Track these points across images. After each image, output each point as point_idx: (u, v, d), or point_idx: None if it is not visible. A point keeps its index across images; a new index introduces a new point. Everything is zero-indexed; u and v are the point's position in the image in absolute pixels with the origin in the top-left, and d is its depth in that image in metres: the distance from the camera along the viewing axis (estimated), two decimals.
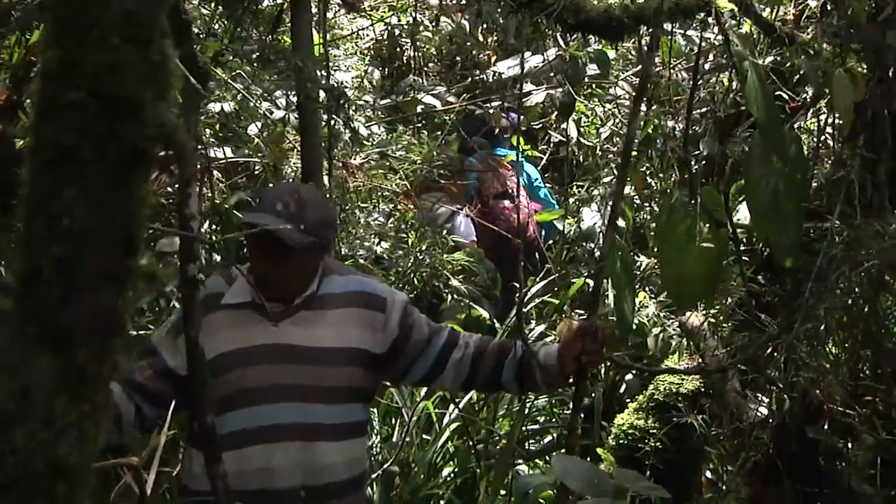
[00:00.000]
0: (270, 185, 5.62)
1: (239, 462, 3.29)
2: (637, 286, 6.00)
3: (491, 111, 7.71)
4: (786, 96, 4.95)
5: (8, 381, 1.22)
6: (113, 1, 1.14)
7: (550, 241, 7.85)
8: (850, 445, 4.20)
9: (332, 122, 4.89)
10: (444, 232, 7.12)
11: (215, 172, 5.08)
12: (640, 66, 6.00)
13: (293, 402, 3.45)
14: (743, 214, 4.71)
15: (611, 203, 4.63)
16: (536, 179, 8.09)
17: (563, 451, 5.43)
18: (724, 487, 4.81)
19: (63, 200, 1.17)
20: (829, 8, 4.57)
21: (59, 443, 1.22)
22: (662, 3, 3.60)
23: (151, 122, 1.18)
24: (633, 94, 5.66)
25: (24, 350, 1.22)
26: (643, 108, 5.90)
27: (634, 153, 5.98)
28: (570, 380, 3.59)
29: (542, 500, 4.88)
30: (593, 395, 5.74)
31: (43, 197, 1.18)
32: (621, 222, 6.17)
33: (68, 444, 1.23)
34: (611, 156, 7.03)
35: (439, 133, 7.69)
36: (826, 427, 4.14)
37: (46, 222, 1.18)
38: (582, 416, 5.38)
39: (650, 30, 4.08)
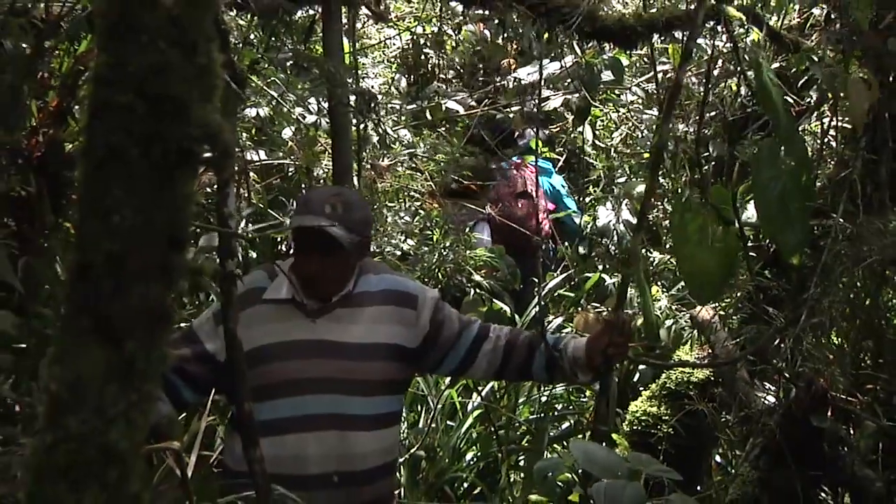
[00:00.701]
0: (306, 189, 5.62)
1: (276, 448, 3.29)
2: (652, 280, 6.00)
3: (511, 115, 7.72)
4: (791, 100, 4.92)
5: (61, 371, 1.21)
6: (160, 6, 1.13)
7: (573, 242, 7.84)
8: (852, 432, 4.19)
9: (362, 125, 4.89)
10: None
11: (251, 174, 5.07)
12: (652, 73, 5.99)
13: (329, 394, 3.47)
14: (750, 213, 4.68)
15: (627, 206, 4.62)
16: (563, 186, 8.08)
17: (580, 436, 5.44)
18: (732, 471, 4.80)
19: (113, 198, 1.16)
20: (832, 16, 4.55)
21: (110, 430, 1.22)
22: (698, 9, 3.57)
23: (197, 122, 1.17)
24: (660, 103, 5.66)
25: (76, 341, 1.21)
26: (654, 112, 5.89)
27: (647, 155, 5.97)
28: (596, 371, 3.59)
29: (560, 483, 4.87)
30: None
31: (94, 195, 1.18)
32: (633, 219, 6.16)
33: (118, 431, 1.22)
34: (624, 157, 7.05)
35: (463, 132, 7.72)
36: (830, 414, 4.12)
37: (97, 219, 1.17)
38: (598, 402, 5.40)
39: (683, 39, 4.06)
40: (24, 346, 3.47)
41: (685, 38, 4.82)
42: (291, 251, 3.69)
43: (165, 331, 1.24)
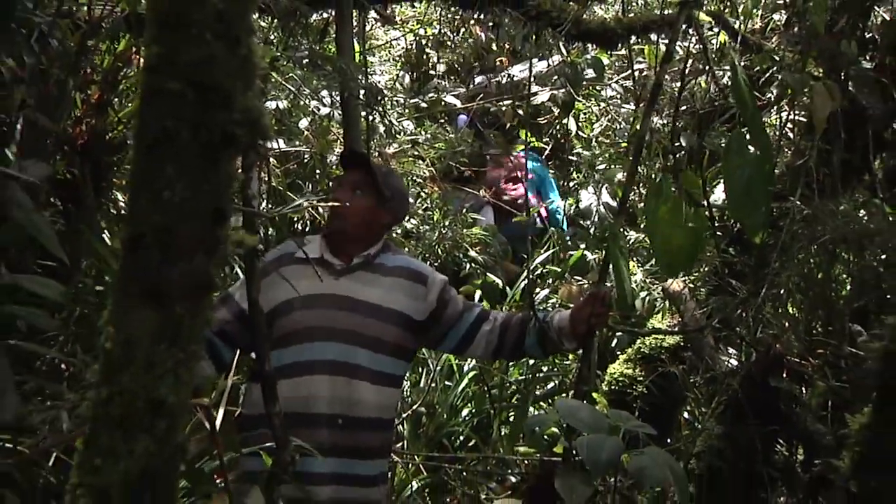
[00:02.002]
0: (320, 174, 5.58)
1: (292, 388, 3.35)
2: (628, 256, 6.00)
3: (503, 109, 7.72)
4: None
5: (115, 332, 1.21)
6: (207, 2, 1.12)
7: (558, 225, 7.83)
8: (805, 391, 4.20)
9: (370, 117, 4.88)
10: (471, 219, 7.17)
11: (271, 160, 5.06)
12: (630, 71, 5.98)
13: (343, 344, 3.50)
14: (717, 196, 4.69)
15: (607, 190, 4.61)
16: (547, 176, 8.08)
17: (564, 395, 5.45)
18: (699, 426, 4.81)
19: (163, 176, 1.16)
20: (791, 20, 4.54)
21: (159, 385, 1.21)
22: (680, 17, 3.57)
23: (239, 108, 1.16)
24: (637, 97, 5.65)
25: (128, 305, 1.21)
26: (632, 105, 5.88)
27: (624, 144, 5.97)
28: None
29: (546, 437, 4.88)
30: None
31: (146, 173, 1.17)
32: (612, 202, 6.15)
33: (166, 386, 1.22)
34: (604, 146, 7.05)
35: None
36: (785, 376, 4.14)
37: (149, 195, 1.17)
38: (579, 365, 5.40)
39: (658, 41, 4.06)
40: (69, 312, 3.47)
41: (660, 40, 4.83)
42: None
43: (209, 296, 1.24)
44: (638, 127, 5.66)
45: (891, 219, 3.75)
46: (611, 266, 3.51)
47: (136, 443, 1.22)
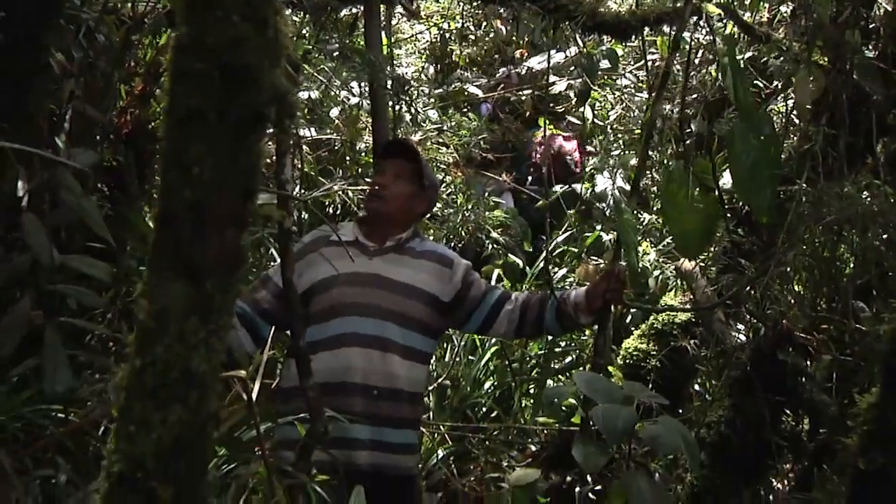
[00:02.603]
0: (350, 160, 5.57)
1: (330, 360, 3.43)
2: (641, 238, 5.96)
3: (523, 98, 7.69)
4: (761, 84, 4.87)
5: (149, 304, 1.20)
6: None
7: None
8: (810, 364, 4.17)
9: (397, 106, 4.87)
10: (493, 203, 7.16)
11: (304, 147, 5.05)
12: (643, 61, 5.94)
13: (375, 319, 3.55)
14: (726, 180, 4.65)
15: (621, 175, 4.59)
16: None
17: (582, 368, 5.42)
18: (709, 397, 4.79)
19: (193, 153, 1.14)
20: (797, 12, 4.49)
21: (192, 356, 1.20)
22: (685, 8, 3.56)
23: (267, 87, 1.15)
24: (650, 87, 5.61)
25: (161, 279, 1.19)
26: (645, 94, 5.83)
27: (638, 132, 5.93)
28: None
29: (564, 407, 4.86)
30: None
31: (176, 150, 1.16)
32: (626, 186, 6.11)
33: (199, 357, 1.20)
34: (619, 133, 7.01)
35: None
36: (792, 350, 4.11)
37: (179, 171, 1.15)
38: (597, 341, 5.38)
39: (671, 32, 4.03)
40: (115, 291, 3.47)
41: (672, 31, 4.78)
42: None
43: (240, 270, 1.23)
44: (650, 114, 5.62)
45: (893, 200, 3.71)
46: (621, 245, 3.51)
47: (169, 412, 1.21)
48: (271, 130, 3.55)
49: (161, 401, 1.21)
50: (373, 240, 3.72)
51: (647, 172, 6.11)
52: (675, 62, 5.30)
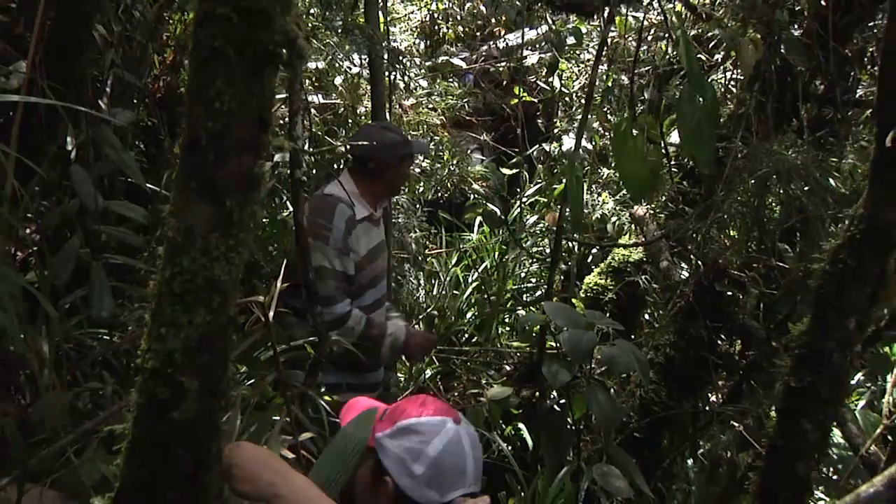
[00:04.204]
0: (353, 122, 5.54)
1: (377, 319, 3.62)
2: (601, 189, 5.97)
3: (501, 69, 7.68)
4: (704, 57, 4.85)
5: (176, 222, 1.19)
6: None
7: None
8: (742, 296, 4.19)
9: (392, 75, 4.84)
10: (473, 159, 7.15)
11: (312, 111, 5.02)
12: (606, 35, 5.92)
13: (384, 281, 3.74)
14: (674, 139, 4.64)
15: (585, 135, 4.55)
16: None
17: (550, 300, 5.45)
18: (657, 324, 4.82)
19: (215, 88, 1.13)
20: None
21: (214, 266, 1.20)
22: None
23: (278, 30, 1.14)
24: (609, 60, 5.60)
25: (186, 199, 1.19)
26: (605, 66, 5.80)
27: (599, 98, 5.90)
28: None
29: (534, 332, 4.89)
30: (570, 263, 5.73)
31: (200, 86, 1.15)
32: (588, 145, 6.09)
33: (220, 267, 1.20)
34: (582, 100, 7.00)
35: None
36: (727, 283, 4.13)
37: (203, 104, 1.14)
38: (563, 277, 5.40)
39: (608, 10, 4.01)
40: (151, 231, 3.47)
41: (628, 12, 4.76)
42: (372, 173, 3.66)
43: (256, 191, 1.22)
44: (609, 84, 5.60)
45: (813, 157, 3.71)
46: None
47: (194, 314, 1.21)
48: (284, 95, 3.55)
49: (188, 305, 1.21)
50: (375, 210, 3.69)
51: (607, 133, 6.09)
52: (631, 38, 5.30)
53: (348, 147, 3.69)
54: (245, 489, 1.62)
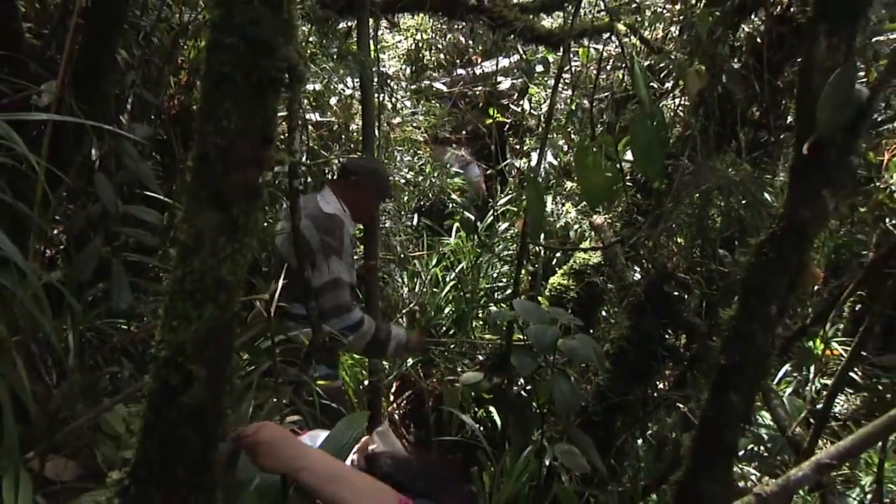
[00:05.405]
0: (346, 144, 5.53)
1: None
2: (565, 200, 5.97)
3: (477, 92, 7.68)
4: (655, 85, 4.87)
5: (187, 227, 1.19)
6: None
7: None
8: (687, 295, 4.20)
9: (381, 97, 4.83)
10: (462, 174, 7.13)
11: (309, 127, 5.01)
12: (568, 66, 5.92)
13: None
14: (628, 156, 4.66)
15: (551, 152, 4.56)
16: None
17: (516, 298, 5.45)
18: (613, 320, 4.82)
19: (223, 108, 1.13)
20: (683, 30, 4.50)
21: (221, 267, 1.19)
22: (572, 26, 3.54)
23: (281, 58, 1.13)
24: (573, 86, 5.61)
25: (196, 207, 1.18)
26: (570, 92, 5.82)
27: (564, 119, 5.91)
28: None
29: (504, 326, 4.89)
30: (536, 265, 5.73)
31: (210, 106, 1.14)
32: (554, 161, 6.09)
33: (226, 268, 1.20)
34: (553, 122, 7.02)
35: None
36: (674, 284, 4.14)
37: (212, 122, 1.14)
38: (531, 278, 5.39)
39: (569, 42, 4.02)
40: (166, 233, 3.44)
41: (590, 44, 4.78)
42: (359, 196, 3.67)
43: (259, 200, 1.22)
44: (573, 107, 5.62)
45: (750, 174, 3.74)
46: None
47: (203, 310, 1.21)
48: (285, 113, 3.54)
49: (197, 301, 1.20)
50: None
51: (571, 150, 6.10)
52: (592, 67, 5.31)
53: (342, 159, 3.68)
54: (270, 464, 1.68)
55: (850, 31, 2.20)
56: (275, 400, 2.25)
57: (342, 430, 1.97)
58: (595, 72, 4.33)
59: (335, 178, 3.65)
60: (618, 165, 3.55)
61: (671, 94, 4.89)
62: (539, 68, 5.82)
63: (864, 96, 2.16)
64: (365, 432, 2.01)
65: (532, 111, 6.84)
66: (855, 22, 2.21)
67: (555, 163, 6.17)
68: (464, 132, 7.87)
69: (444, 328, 5.71)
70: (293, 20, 1.13)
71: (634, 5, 4.68)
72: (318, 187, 4.17)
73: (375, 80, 4.35)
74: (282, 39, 1.12)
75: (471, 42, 7.97)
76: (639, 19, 4.72)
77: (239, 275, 1.22)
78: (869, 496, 3.69)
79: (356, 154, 4.04)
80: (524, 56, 6.05)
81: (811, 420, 3.51)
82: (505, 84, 7.23)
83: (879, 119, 4.13)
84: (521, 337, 3.73)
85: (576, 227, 5.68)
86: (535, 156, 6.39)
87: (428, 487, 1.75)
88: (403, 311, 5.52)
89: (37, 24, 3.47)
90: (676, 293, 4.15)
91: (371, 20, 4.41)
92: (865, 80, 2.58)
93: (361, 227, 4.19)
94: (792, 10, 3.81)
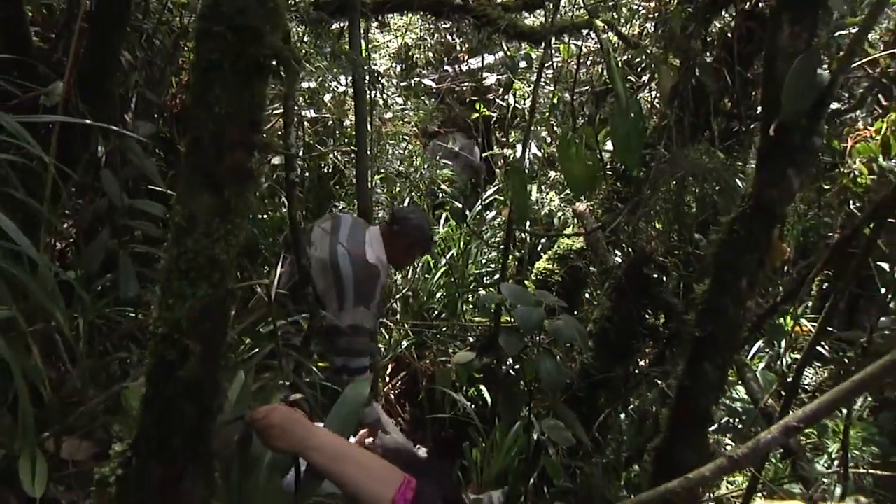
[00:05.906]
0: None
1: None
2: (549, 189, 5.97)
3: (464, 88, 7.67)
4: (633, 79, 4.87)
5: (181, 209, 1.18)
6: None
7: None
8: (665, 278, 4.21)
9: (373, 93, 4.82)
10: (451, 165, 7.12)
11: (305, 123, 4.99)
12: (550, 62, 5.92)
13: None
14: (608, 146, 4.66)
15: (535, 143, 4.57)
16: None
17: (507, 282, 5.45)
18: (595, 302, 4.83)
19: (213, 94, 1.13)
20: (658, 26, 4.49)
21: (214, 247, 1.19)
22: (552, 23, 3.54)
23: (268, 45, 1.13)
24: (555, 81, 5.60)
25: (190, 189, 1.18)
26: (552, 86, 5.81)
27: (547, 112, 5.91)
28: None
29: (492, 308, 4.89)
30: (523, 251, 5.73)
31: (200, 93, 1.14)
32: (538, 152, 6.09)
33: (220, 247, 1.20)
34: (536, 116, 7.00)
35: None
36: (653, 267, 4.14)
37: (204, 108, 1.14)
38: (517, 263, 5.39)
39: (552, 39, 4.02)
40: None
41: (570, 40, 4.77)
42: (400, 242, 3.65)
43: (250, 182, 1.22)
44: (555, 101, 5.61)
45: (722, 162, 3.75)
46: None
47: (198, 288, 1.21)
48: (281, 110, 3.52)
49: (192, 279, 1.20)
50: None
51: (555, 141, 6.10)
52: (573, 63, 5.31)
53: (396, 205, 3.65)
54: (281, 445, 1.68)
55: (811, 19, 2.21)
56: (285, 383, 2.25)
57: (348, 395, 1.98)
58: (575, 67, 4.31)
59: (387, 222, 3.62)
60: (598, 155, 3.55)
61: (647, 87, 4.90)
62: (522, 64, 5.81)
63: (825, 81, 2.17)
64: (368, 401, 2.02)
65: (516, 105, 6.84)
66: (816, 10, 2.22)
67: (539, 154, 6.17)
68: (453, 126, 7.86)
69: (436, 312, 5.71)
70: (279, 9, 1.13)
71: (612, 3, 4.67)
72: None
73: (367, 77, 4.33)
74: (268, 27, 1.11)
75: (457, 40, 7.95)
76: (616, 16, 4.71)
77: (232, 254, 1.21)
78: (836, 462, 3.71)
79: (354, 153, 4.01)
80: (508, 53, 6.03)
81: (782, 392, 3.52)
82: (490, 79, 7.22)
83: (843, 108, 4.14)
84: (509, 319, 3.74)
85: (559, 214, 5.68)
86: (519, 147, 6.40)
87: (426, 470, 1.77)
88: (397, 296, 5.52)
89: (44, 29, 3.45)
90: (655, 275, 4.15)
91: (362, 21, 4.39)
92: (829, 70, 2.59)
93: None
94: (760, 5, 3.81)
